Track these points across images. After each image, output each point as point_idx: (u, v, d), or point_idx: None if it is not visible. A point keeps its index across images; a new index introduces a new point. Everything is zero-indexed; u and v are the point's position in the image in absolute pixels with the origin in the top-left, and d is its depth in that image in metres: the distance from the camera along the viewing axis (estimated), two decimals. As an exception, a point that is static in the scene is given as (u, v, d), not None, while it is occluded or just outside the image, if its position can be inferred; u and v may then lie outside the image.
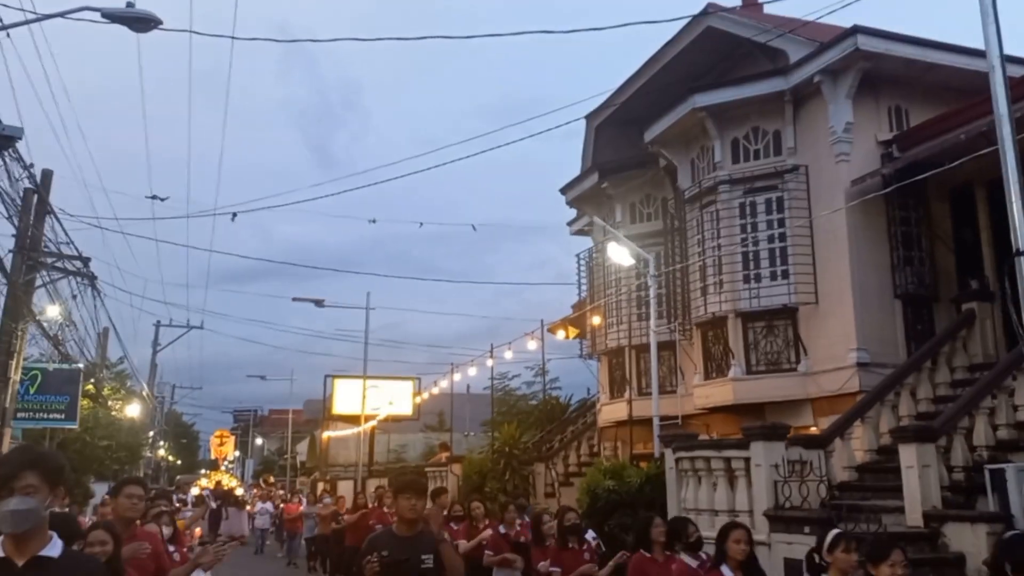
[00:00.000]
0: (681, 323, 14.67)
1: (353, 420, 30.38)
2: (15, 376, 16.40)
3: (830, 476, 8.48)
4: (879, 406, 9.77)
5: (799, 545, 6.86)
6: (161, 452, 52.95)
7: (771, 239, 13.00)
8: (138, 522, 5.64)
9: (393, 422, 33.58)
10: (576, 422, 20.73)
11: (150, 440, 46.40)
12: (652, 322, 12.56)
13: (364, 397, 26.32)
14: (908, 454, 7.40)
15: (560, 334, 19.17)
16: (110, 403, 28.20)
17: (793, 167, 12.84)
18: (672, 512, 9.38)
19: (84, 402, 25.78)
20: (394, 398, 31.08)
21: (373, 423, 29.96)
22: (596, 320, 16.79)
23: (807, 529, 6.94)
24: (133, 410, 31.73)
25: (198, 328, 41.76)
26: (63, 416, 19.46)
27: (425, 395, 27.73)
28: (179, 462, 63.55)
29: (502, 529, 8.81)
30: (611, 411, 16.53)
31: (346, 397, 31.28)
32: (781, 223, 12.92)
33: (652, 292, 12.74)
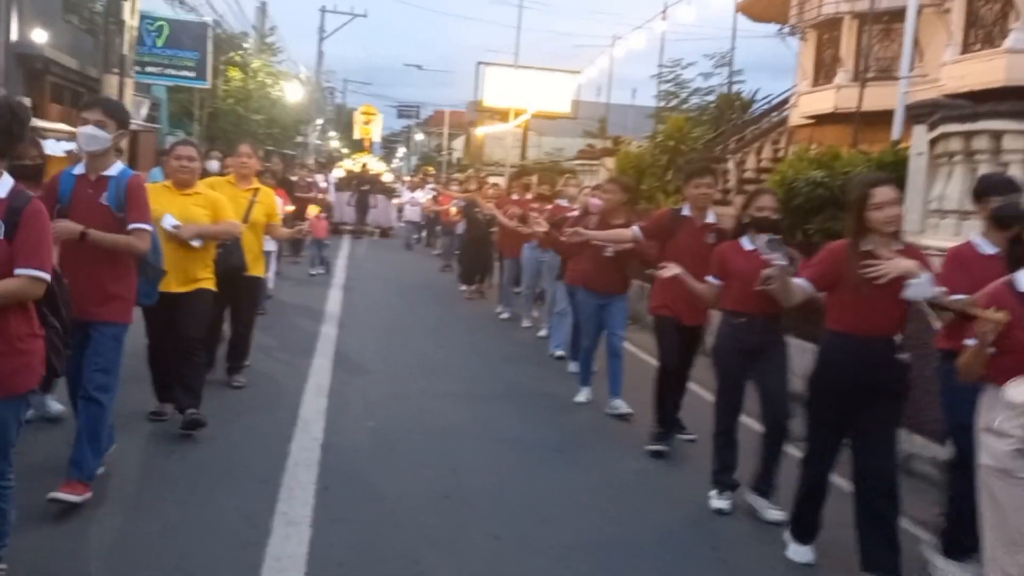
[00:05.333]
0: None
1: (506, 115, 28.11)
2: (132, 21, 14.65)
3: None
4: None
5: None
6: (334, 144, 53.52)
7: None
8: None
9: (549, 120, 31.12)
10: (759, 122, 17.33)
11: (317, 128, 46.57)
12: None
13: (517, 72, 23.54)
14: None
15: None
16: (260, 77, 26.87)
17: None
18: (916, 214, 6.49)
19: (234, 72, 24.67)
20: (550, 92, 28.30)
21: (525, 117, 27.55)
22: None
23: None
24: (294, 92, 30.58)
25: (362, 16, 39.99)
26: (193, 74, 18.21)
27: (581, 79, 24.40)
28: (354, 156, 64.92)
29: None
30: (813, 101, 13.09)
31: (499, 88, 28.80)
32: None
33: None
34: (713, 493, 4.43)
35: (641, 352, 8.04)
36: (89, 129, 3.75)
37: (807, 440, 3.83)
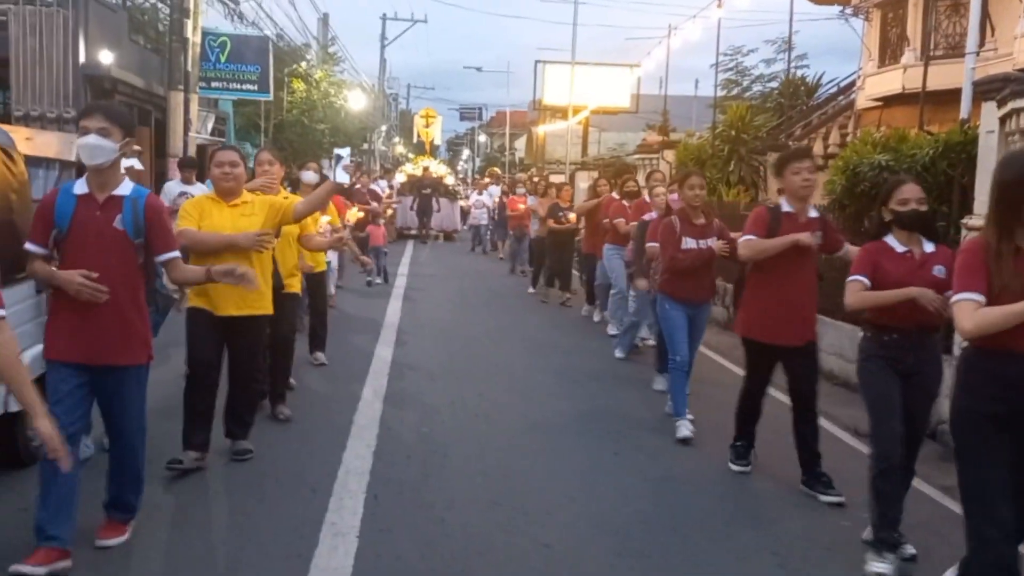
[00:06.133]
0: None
1: (566, 112, 27.99)
2: (194, 38, 15.03)
3: None
4: None
5: None
6: (399, 150, 54.20)
7: None
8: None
9: (609, 115, 30.84)
10: (825, 106, 16.81)
11: (382, 134, 47.25)
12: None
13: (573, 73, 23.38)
14: None
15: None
16: (323, 87, 27.36)
17: None
18: (986, 196, 6.13)
19: (298, 84, 25.18)
20: (609, 87, 28.03)
21: (584, 114, 27.37)
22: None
23: None
24: (357, 100, 30.98)
25: (423, 22, 40.69)
26: (256, 87, 18.60)
27: (640, 72, 23.98)
28: (415, 160, 65.63)
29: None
30: (880, 83, 12.62)
31: (558, 86, 28.68)
32: None
33: None
34: (870, 555, 3.57)
35: (707, 349, 7.84)
36: (91, 139, 3.23)
37: (964, 498, 2.98)
